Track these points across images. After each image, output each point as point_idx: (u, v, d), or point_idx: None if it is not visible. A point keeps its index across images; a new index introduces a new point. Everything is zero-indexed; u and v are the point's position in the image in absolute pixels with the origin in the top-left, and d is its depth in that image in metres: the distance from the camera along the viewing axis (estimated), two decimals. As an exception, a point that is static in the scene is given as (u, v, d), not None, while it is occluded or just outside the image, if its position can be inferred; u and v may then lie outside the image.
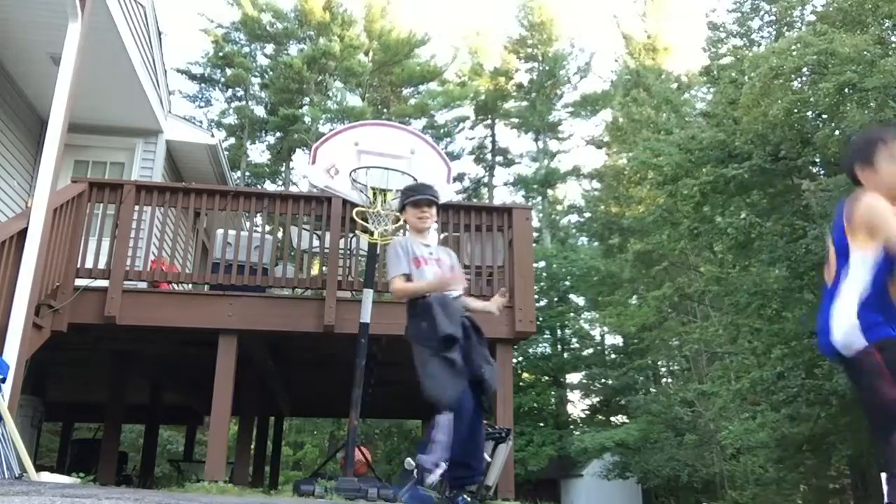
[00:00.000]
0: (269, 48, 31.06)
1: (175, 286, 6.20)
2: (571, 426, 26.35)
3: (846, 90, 11.24)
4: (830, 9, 14.15)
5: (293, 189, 27.79)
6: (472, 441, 3.27)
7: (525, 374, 26.27)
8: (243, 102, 30.70)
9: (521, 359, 25.76)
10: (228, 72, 29.82)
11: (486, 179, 33.28)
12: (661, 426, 20.09)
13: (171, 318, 5.49)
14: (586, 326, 27.77)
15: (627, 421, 22.83)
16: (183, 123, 9.01)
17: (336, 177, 5.33)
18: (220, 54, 29.95)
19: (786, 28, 16.59)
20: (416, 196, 3.78)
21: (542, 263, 25.91)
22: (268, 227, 8.85)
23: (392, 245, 3.74)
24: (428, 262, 3.64)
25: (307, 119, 28.86)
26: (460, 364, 3.20)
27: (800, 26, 16.15)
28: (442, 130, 31.54)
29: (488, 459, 4.63)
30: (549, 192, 31.76)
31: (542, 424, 24.77)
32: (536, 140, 32.42)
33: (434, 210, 3.82)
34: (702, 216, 14.82)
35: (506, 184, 33.05)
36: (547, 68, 31.95)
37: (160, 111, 8.23)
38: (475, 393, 3.31)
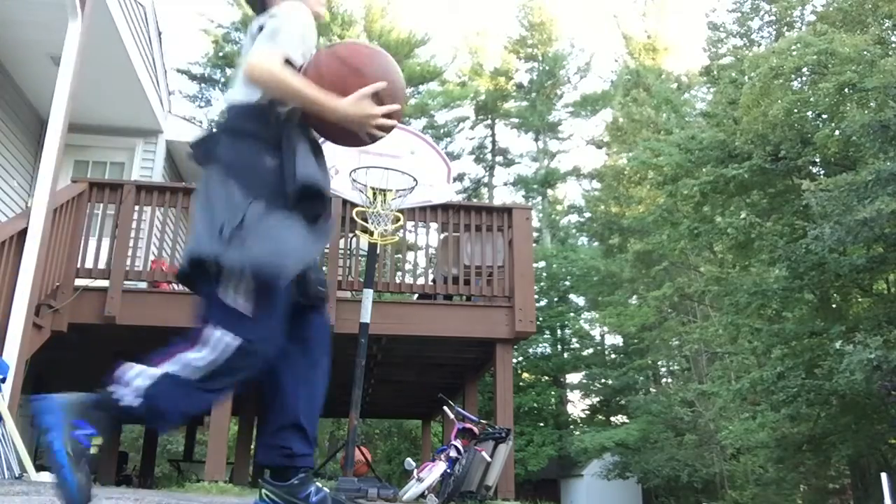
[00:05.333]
0: (269, 48, 31.07)
1: (175, 286, 6.20)
2: (571, 426, 26.34)
3: (846, 90, 11.24)
4: (830, 9, 14.17)
5: (293, 189, 27.76)
6: (309, 398, 1.95)
7: (525, 374, 26.27)
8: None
9: (521, 359, 25.77)
10: (229, 72, 29.82)
11: (486, 179, 33.29)
12: (661, 426, 20.09)
13: (171, 318, 5.48)
14: (586, 326, 27.77)
15: (627, 421, 22.82)
16: (183, 123, 9.00)
17: (336, 177, 5.34)
18: (221, 54, 29.95)
19: (786, 28, 16.60)
20: None
21: (542, 263, 25.91)
22: (268, 227, 8.82)
23: (297, 12, 1.92)
24: None
25: (307, 119, 28.84)
26: (319, 238, 1.87)
27: (800, 26, 16.16)
28: (442, 130, 31.53)
29: (488, 459, 4.63)
30: (549, 192, 31.76)
31: (542, 424, 24.76)
32: (536, 140, 32.43)
33: None
34: (702, 216, 14.82)
35: (506, 184, 33.08)
36: (547, 68, 31.95)
37: (160, 111, 8.23)
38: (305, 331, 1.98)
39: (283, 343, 1.83)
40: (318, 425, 1.98)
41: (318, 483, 1.94)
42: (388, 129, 1.92)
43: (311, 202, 1.82)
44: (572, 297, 27.92)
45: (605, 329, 26.65)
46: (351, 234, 5.87)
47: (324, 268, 6.00)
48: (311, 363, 1.96)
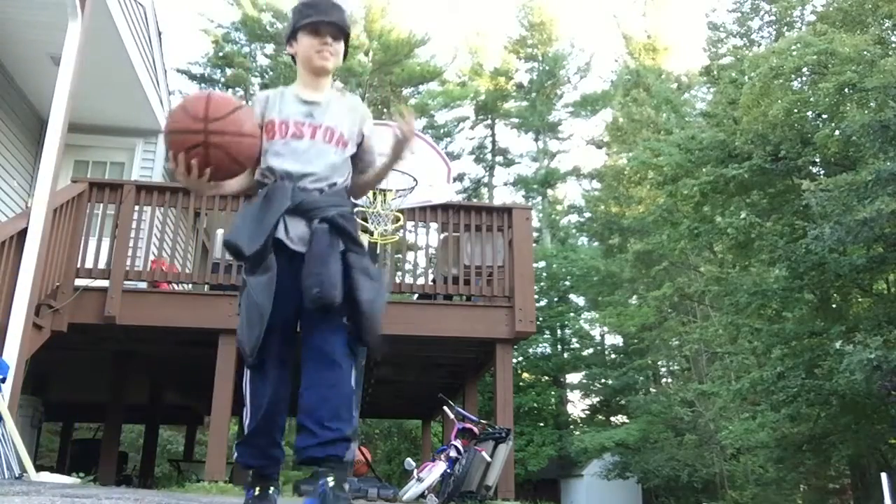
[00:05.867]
0: (269, 48, 31.03)
1: (175, 286, 6.20)
2: (571, 426, 26.34)
3: (846, 90, 11.24)
4: (830, 9, 14.17)
5: (293, 189, 27.68)
6: (315, 392, 2.09)
7: (525, 374, 26.26)
8: (244, 102, 30.64)
9: (521, 359, 25.76)
10: (228, 72, 29.80)
11: (486, 179, 33.28)
12: (661, 426, 20.08)
13: (171, 318, 5.49)
14: (586, 326, 27.76)
15: (627, 421, 22.82)
16: (183, 123, 8.97)
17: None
18: (221, 54, 29.93)
19: (786, 28, 16.60)
20: (315, 17, 2.23)
21: (542, 263, 25.89)
22: (268, 227, 8.81)
23: (255, 97, 2.35)
24: (296, 129, 2.22)
25: (307, 119, 28.80)
26: (259, 293, 2.05)
27: (800, 26, 16.16)
28: (442, 130, 31.52)
29: (488, 459, 4.63)
30: (549, 192, 31.75)
31: (542, 424, 24.76)
32: (536, 140, 32.42)
33: (341, 46, 2.29)
34: (702, 216, 14.82)
35: (506, 184, 33.07)
36: (547, 68, 31.95)
37: (160, 111, 8.23)
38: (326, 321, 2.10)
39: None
40: (332, 414, 2.07)
41: (325, 479, 2.05)
42: (207, 164, 2.09)
43: (237, 258, 2.19)
44: (572, 297, 27.92)
45: (605, 329, 26.64)
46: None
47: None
48: (317, 367, 2.13)
